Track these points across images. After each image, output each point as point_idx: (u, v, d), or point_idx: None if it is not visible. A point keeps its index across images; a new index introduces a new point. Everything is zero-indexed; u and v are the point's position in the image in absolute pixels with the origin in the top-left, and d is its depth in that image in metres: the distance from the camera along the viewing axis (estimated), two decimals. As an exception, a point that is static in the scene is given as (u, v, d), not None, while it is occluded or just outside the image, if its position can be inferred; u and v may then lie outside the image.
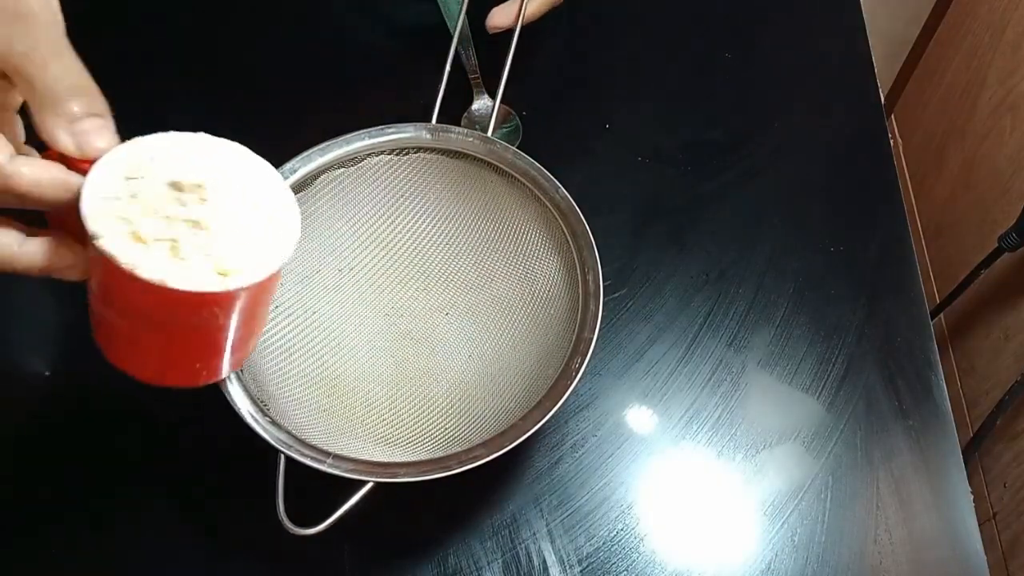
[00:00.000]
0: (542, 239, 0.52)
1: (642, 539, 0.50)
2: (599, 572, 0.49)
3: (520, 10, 0.56)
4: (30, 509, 0.50)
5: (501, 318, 0.53)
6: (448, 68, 0.56)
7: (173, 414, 0.52)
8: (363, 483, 0.43)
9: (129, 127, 0.36)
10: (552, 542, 0.50)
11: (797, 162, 0.66)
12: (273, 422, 0.44)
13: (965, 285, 1.12)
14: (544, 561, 0.49)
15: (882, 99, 0.70)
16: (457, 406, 0.49)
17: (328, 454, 0.43)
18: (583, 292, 0.48)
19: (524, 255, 0.53)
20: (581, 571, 0.49)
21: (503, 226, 0.54)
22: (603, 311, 0.57)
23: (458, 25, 0.58)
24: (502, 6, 0.57)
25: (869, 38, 0.72)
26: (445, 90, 0.54)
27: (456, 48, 0.56)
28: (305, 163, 0.50)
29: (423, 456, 0.45)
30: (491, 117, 0.54)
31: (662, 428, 0.54)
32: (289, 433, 0.43)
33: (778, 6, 0.74)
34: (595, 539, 0.50)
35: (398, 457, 0.46)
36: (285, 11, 0.70)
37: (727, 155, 0.65)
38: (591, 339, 0.46)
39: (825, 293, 0.60)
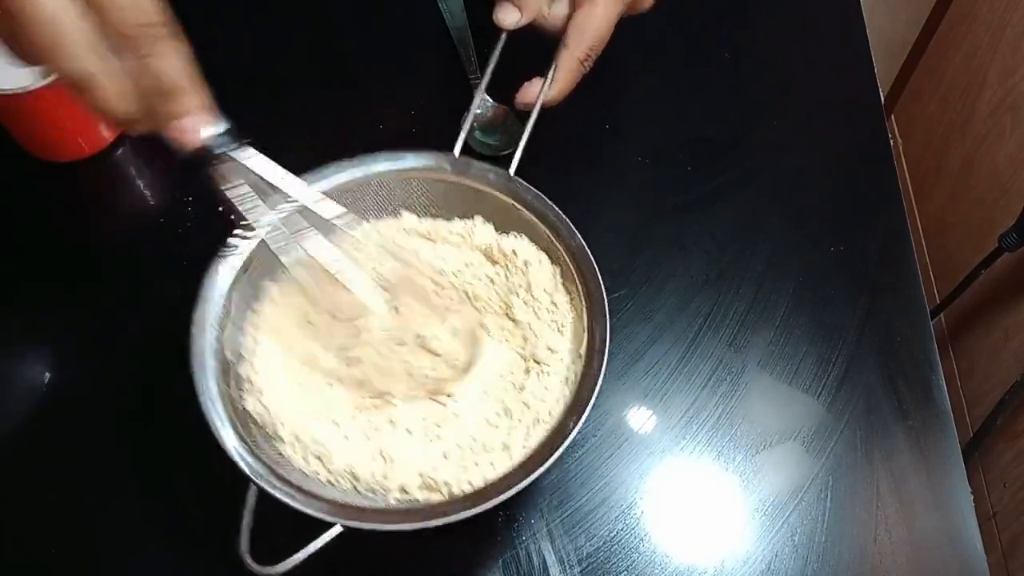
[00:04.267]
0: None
1: (642, 539, 0.50)
2: (599, 572, 0.49)
3: (541, 89, 0.54)
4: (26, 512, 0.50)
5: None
6: (475, 104, 0.53)
7: (166, 426, 0.52)
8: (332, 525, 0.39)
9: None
10: (552, 542, 0.50)
11: (797, 162, 0.66)
12: (252, 451, 0.41)
13: (965, 285, 1.12)
14: (544, 561, 0.49)
15: (882, 99, 0.70)
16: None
17: (301, 490, 0.40)
18: (587, 347, 0.45)
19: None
20: (581, 571, 0.49)
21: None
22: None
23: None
24: (531, 83, 0.55)
25: (869, 38, 0.72)
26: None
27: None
28: (315, 180, 0.47)
29: (399, 503, 0.43)
30: (514, 155, 0.51)
31: (662, 428, 0.54)
32: (265, 464, 0.41)
33: (778, 6, 0.74)
34: (595, 539, 0.50)
35: (370, 502, 0.43)
36: (287, 17, 0.70)
37: (727, 155, 0.65)
38: (590, 399, 0.43)
39: (825, 293, 0.60)
